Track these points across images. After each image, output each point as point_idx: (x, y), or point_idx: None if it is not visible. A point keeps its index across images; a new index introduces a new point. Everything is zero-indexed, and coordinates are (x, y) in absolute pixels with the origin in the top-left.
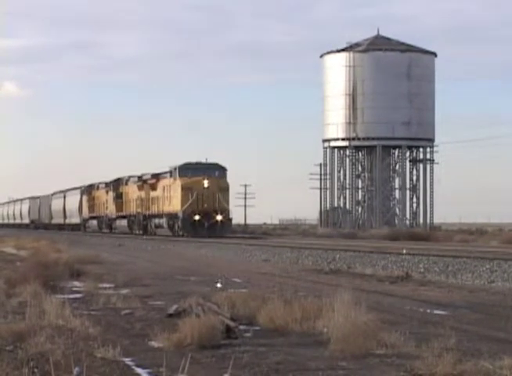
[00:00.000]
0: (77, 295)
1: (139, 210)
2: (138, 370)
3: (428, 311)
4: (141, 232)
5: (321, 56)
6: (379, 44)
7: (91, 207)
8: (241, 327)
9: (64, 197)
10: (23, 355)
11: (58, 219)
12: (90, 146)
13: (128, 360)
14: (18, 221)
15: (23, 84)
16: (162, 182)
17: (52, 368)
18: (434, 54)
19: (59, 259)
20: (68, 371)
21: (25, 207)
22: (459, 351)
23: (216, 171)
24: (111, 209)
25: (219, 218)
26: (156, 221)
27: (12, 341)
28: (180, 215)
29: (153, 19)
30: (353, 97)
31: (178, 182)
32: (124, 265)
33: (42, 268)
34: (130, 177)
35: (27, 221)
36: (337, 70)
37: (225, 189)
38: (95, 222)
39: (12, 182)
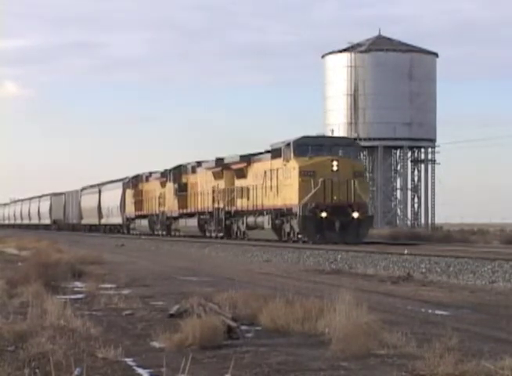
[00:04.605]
0: (79, 296)
1: (218, 205)
2: (140, 371)
3: (430, 311)
4: (220, 234)
5: (322, 57)
6: (380, 44)
7: (138, 204)
8: (242, 328)
9: (99, 192)
10: (24, 355)
11: (90, 219)
12: (90, 146)
13: (129, 361)
14: (35, 221)
15: (23, 84)
16: (259, 166)
17: (53, 369)
18: (436, 54)
19: (61, 259)
20: (69, 372)
21: (45, 205)
22: (461, 351)
23: (348, 148)
24: (170, 205)
25: (355, 215)
26: (251, 220)
27: (13, 342)
28: (298, 211)
29: (153, 19)
30: (354, 97)
31: (294, 164)
32: (126, 266)
33: (44, 268)
34: (199, 162)
35: (47, 221)
36: (338, 71)
37: (361, 175)
38: (144, 222)
39: (12, 182)
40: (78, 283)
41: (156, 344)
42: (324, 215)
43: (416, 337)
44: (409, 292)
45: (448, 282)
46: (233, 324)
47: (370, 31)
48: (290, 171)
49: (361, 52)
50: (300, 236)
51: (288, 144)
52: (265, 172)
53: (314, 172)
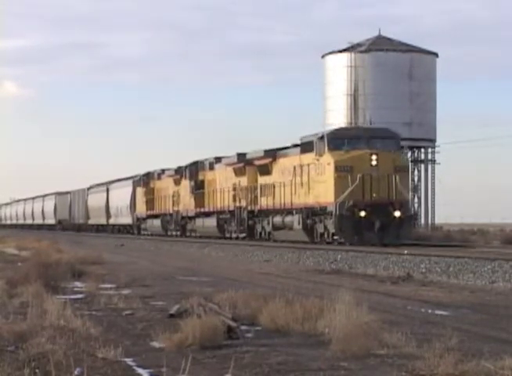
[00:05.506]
0: (79, 296)
1: (240, 204)
2: (140, 371)
3: (430, 311)
4: (242, 235)
5: (322, 57)
6: (380, 44)
7: (149, 203)
8: (242, 328)
9: (107, 191)
10: (24, 355)
11: (97, 219)
12: (90, 146)
13: (129, 361)
14: (38, 221)
15: (23, 84)
16: (286, 162)
17: (53, 369)
18: (436, 54)
19: (61, 260)
20: (69, 372)
21: (49, 204)
22: (461, 351)
23: (388, 140)
24: (186, 204)
25: (397, 214)
26: (277, 219)
27: (13, 342)
28: (334, 209)
29: (153, 20)
30: (354, 97)
31: (329, 159)
32: (126, 266)
33: (44, 268)
34: (218, 158)
35: (51, 221)
36: (338, 71)
37: (403, 170)
38: (157, 222)
39: (13, 182)
40: (78, 284)
41: (156, 344)
42: (363, 214)
43: (416, 337)
44: (409, 292)
45: (448, 282)
46: (233, 324)
47: (370, 31)
48: (323, 166)
49: (361, 52)
50: (335, 237)
51: (321, 137)
52: (294, 168)
53: (351, 167)
